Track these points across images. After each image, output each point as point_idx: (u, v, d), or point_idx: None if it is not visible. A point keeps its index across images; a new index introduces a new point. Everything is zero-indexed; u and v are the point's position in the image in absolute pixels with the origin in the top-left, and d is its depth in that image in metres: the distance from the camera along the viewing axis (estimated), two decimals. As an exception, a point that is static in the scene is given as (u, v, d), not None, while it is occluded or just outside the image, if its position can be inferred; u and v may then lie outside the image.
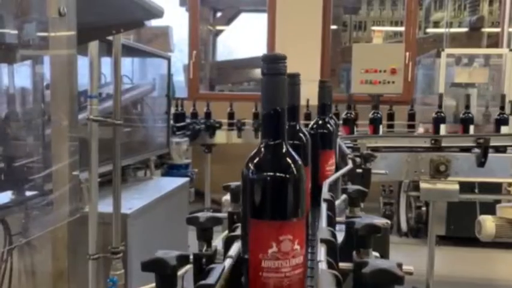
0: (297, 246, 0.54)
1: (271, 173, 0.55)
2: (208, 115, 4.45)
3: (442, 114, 3.01)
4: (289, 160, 0.56)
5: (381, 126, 3.12)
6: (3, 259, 1.46)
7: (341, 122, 3.08)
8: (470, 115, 2.98)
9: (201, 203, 4.74)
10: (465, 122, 2.92)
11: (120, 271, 2.08)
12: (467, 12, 7.21)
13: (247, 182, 0.56)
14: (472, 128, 2.95)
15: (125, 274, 2.10)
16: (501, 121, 2.96)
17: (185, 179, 3.25)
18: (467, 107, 3.00)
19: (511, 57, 4.15)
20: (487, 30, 6.51)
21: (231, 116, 4.36)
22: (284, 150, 0.57)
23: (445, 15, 6.53)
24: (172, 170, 3.86)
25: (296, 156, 0.57)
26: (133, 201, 2.41)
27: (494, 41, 5.88)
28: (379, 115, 3.11)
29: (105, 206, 2.11)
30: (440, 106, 3.11)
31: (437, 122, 2.99)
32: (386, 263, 0.49)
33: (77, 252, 1.93)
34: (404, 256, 3.30)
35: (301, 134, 0.87)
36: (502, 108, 3.02)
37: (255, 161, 0.56)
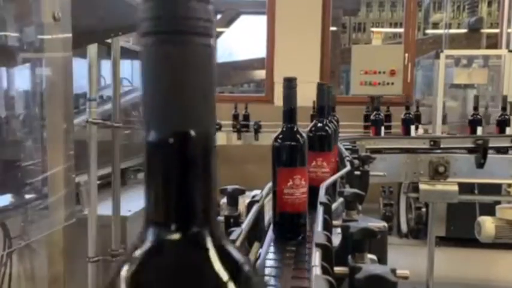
0: (303, 182, 0.86)
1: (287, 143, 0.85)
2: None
3: (479, 117, 3.02)
4: (298, 136, 0.86)
5: (382, 128, 3.14)
6: (2, 262, 1.46)
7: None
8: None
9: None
10: (474, 123, 2.93)
11: (120, 274, 2.08)
12: (466, 13, 7.22)
13: (274, 148, 0.86)
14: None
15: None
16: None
17: (185, 181, 3.25)
18: (476, 108, 3.00)
19: (510, 58, 4.15)
20: (486, 31, 6.51)
21: (235, 117, 4.34)
22: (295, 129, 0.87)
23: (444, 16, 6.53)
24: (172, 172, 3.86)
25: (303, 134, 0.87)
26: (132, 203, 2.41)
27: (494, 41, 5.89)
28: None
29: (105, 209, 2.11)
30: (476, 108, 3.08)
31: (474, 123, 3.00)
32: (380, 269, 0.49)
33: (76, 255, 1.93)
34: (405, 257, 3.29)
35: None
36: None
37: (279, 137, 0.86)
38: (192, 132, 0.25)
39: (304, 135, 0.91)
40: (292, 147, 0.88)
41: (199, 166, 0.26)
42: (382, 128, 3.12)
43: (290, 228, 0.85)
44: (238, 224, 0.84)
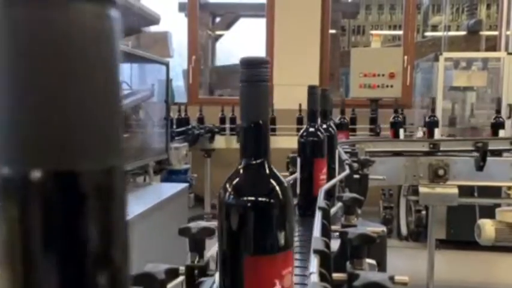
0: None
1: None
2: (200, 120, 4.48)
3: (501, 119, 3.00)
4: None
5: (401, 130, 3.17)
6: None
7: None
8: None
9: (201, 208, 4.74)
10: (496, 126, 2.93)
11: (119, 278, 2.07)
12: (465, 15, 7.23)
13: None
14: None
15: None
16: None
17: (184, 185, 3.25)
18: (498, 111, 3.00)
19: (509, 61, 4.15)
20: (485, 33, 6.52)
21: (232, 121, 4.36)
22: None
23: (443, 18, 6.54)
24: (171, 175, 3.85)
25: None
26: (131, 207, 2.40)
27: (493, 44, 5.89)
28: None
29: (103, 213, 2.10)
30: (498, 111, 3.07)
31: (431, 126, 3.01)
32: (377, 276, 0.49)
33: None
34: (405, 260, 3.30)
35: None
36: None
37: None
38: (260, 121, 0.53)
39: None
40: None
41: (263, 135, 0.51)
42: (401, 130, 3.14)
43: None
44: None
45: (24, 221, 0.18)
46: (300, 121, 4.03)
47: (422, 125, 4.08)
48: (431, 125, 3.04)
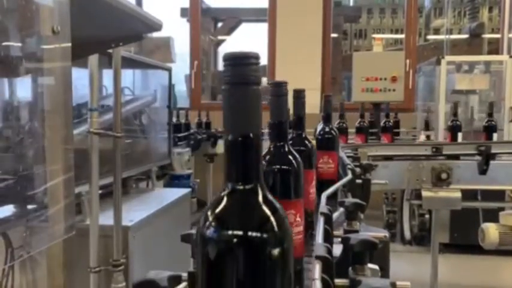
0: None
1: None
2: (208, 125, 4.47)
3: (493, 123, 3.00)
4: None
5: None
6: (4, 273, 1.46)
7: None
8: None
9: (203, 213, 4.74)
10: (490, 130, 2.93)
11: (122, 284, 2.07)
12: (467, 18, 7.23)
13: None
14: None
15: (126, 287, 2.09)
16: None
17: (187, 190, 3.25)
18: (490, 115, 2.99)
19: (511, 64, 4.15)
20: (487, 36, 6.52)
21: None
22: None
23: (445, 22, 6.54)
24: (174, 180, 3.85)
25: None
26: (134, 213, 2.40)
27: (495, 47, 5.88)
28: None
29: (107, 219, 2.10)
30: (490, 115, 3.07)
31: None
32: (379, 282, 0.49)
33: (78, 265, 1.93)
34: (408, 264, 3.28)
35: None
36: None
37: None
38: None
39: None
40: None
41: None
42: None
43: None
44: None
45: (236, 155, 0.42)
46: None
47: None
48: (454, 129, 3.01)
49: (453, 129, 3.03)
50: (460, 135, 3.03)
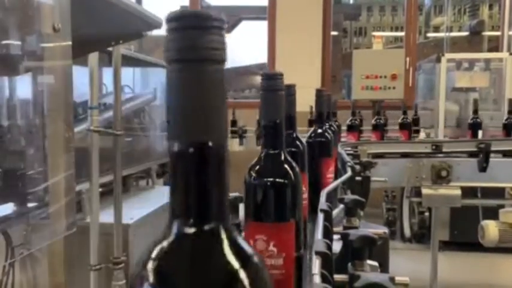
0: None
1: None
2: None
3: (478, 120, 2.99)
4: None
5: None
6: (5, 271, 1.46)
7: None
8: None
9: (203, 211, 4.74)
10: (474, 127, 2.92)
11: (122, 281, 2.07)
12: (467, 16, 7.22)
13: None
14: (480, 132, 2.94)
15: (127, 284, 2.10)
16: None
17: (187, 188, 3.24)
18: (510, 112, 2.97)
19: (511, 61, 4.15)
20: (487, 34, 6.51)
21: (233, 123, 4.36)
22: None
23: (445, 19, 6.54)
24: (174, 178, 3.85)
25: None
26: (135, 211, 2.41)
27: (495, 44, 5.88)
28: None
29: (107, 216, 2.11)
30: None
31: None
32: (378, 277, 0.49)
33: (78, 263, 1.93)
34: (408, 262, 3.28)
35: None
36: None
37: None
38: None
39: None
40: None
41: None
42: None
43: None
44: (240, 231, 0.83)
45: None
46: (311, 123, 4.01)
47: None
48: (474, 126, 3.00)
49: (474, 127, 3.01)
50: (480, 132, 3.01)
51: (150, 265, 0.29)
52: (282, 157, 0.60)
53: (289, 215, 0.59)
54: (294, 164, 0.61)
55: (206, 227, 0.29)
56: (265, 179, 0.58)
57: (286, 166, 0.60)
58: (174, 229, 0.31)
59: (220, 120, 0.30)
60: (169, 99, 0.30)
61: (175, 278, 0.28)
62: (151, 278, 0.29)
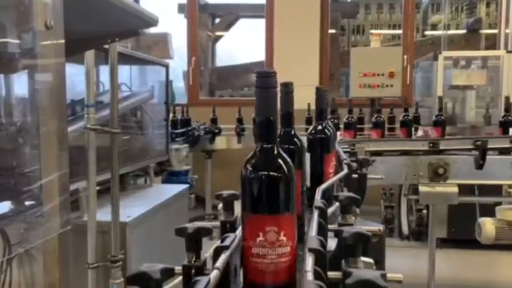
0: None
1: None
2: (214, 121, 4.47)
3: (510, 118, 2.96)
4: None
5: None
6: (2, 269, 1.46)
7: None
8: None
9: (202, 209, 4.74)
10: (505, 125, 2.91)
11: (120, 279, 2.08)
12: (464, 14, 7.23)
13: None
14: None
15: (124, 282, 2.10)
16: (506, 123, 2.92)
17: (184, 186, 3.25)
18: (507, 109, 2.96)
19: (509, 59, 4.15)
20: (484, 31, 6.52)
21: (240, 121, 4.33)
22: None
23: (442, 17, 6.54)
24: (172, 176, 3.86)
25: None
26: (132, 209, 2.41)
27: (493, 42, 5.88)
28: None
29: (104, 215, 2.11)
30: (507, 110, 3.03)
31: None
32: (370, 274, 0.49)
33: (76, 261, 1.93)
34: (406, 259, 3.28)
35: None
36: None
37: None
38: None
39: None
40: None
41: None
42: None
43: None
44: (234, 229, 0.82)
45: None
46: (309, 121, 3.98)
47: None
48: (506, 124, 2.95)
49: (505, 125, 2.97)
50: (511, 130, 2.97)
51: (249, 159, 0.63)
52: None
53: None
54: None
55: (270, 145, 0.64)
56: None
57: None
58: (259, 146, 0.63)
59: (275, 107, 0.64)
60: (257, 100, 0.64)
61: (259, 164, 0.61)
62: (249, 165, 0.62)
